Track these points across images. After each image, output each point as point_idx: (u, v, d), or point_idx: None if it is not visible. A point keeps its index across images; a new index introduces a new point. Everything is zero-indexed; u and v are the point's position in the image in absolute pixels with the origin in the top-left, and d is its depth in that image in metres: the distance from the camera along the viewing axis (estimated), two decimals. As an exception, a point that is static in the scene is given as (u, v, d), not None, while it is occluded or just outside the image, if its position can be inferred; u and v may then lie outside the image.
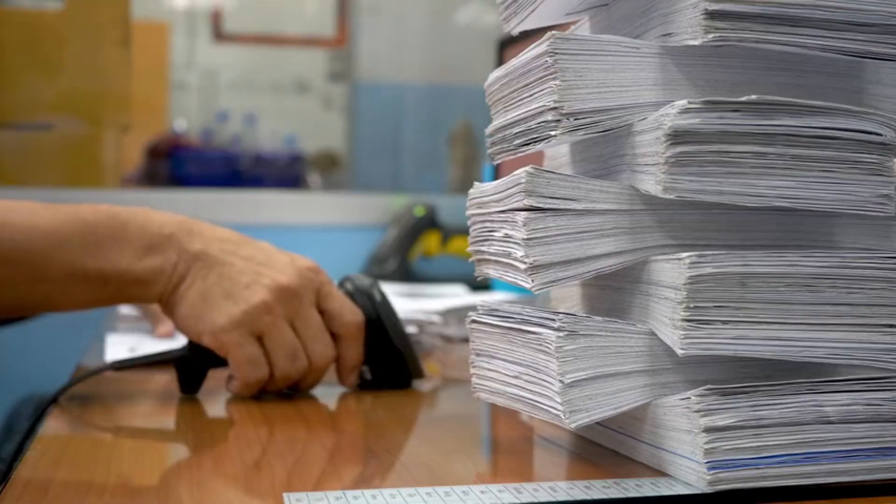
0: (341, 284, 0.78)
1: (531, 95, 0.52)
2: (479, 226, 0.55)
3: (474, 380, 0.57)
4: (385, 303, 0.76)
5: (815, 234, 0.53)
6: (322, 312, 0.73)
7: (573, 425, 0.48)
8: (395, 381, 0.78)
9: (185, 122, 3.08)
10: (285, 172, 2.28)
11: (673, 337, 0.47)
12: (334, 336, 0.73)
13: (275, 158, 2.32)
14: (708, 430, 0.46)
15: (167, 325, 0.95)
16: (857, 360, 0.49)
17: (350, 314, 0.74)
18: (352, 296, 0.76)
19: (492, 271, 0.55)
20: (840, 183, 0.49)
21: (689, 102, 0.47)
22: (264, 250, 0.74)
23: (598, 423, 0.51)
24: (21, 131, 1.82)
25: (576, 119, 0.50)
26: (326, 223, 1.82)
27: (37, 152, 1.83)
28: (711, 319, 0.47)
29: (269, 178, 2.23)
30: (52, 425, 0.63)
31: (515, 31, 0.59)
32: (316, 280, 0.73)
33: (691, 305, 0.46)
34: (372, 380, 0.78)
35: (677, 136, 0.47)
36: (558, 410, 0.48)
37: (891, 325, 0.49)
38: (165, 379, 0.82)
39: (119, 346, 0.91)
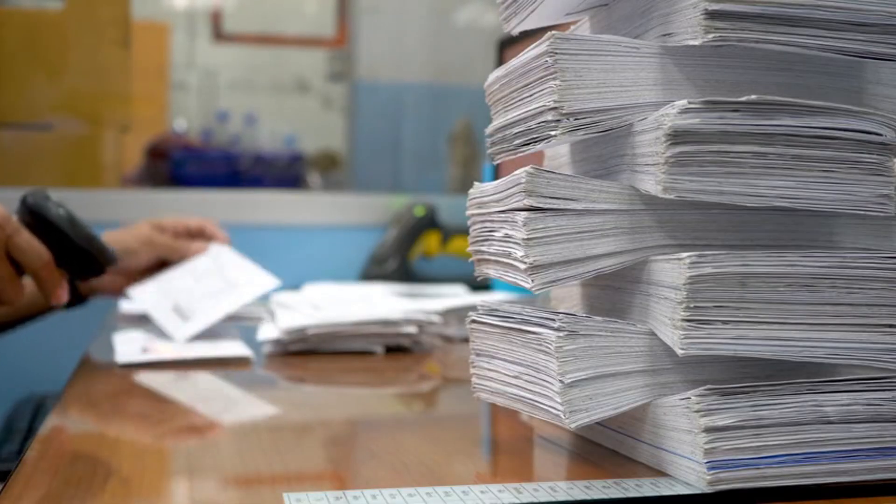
0: (22, 204, 0.87)
1: (531, 95, 0.52)
2: (479, 226, 0.55)
3: (474, 380, 0.57)
4: (60, 213, 0.87)
5: (815, 234, 0.53)
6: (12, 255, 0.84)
7: (573, 425, 0.48)
8: (89, 273, 0.90)
9: (185, 122, 3.08)
10: (285, 172, 2.28)
11: (673, 337, 0.47)
12: (29, 270, 0.85)
13: (275, 158, 2.32)
14: (708, 430, 0.46)
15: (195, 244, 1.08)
16: (857, 360, 0.49)
17: (35, 255, 0.84)
18: (32, 214, 0.86)
19: (492, 271, 0.55)
20: (840, 183, 0.49)
21: (689, 102, 0.47)
22: None
23: (598, 423, 0.51)
24: (21, 131, 1.82)
25: (576, 119, 0.50)
26: (326, 223, 1.82)
27: (37, 152, 1.83)
28: (711, 319, 0.47)
29: (269, 178, 2.23)
30: (52, 425, 0.63)
31: (515, 31, 0.59)
32: (2, 235, 0.83)
33: (691, 305, 0.46)
34: (70, 277, 0.90)
35: (677, 136, 0.47)
36: (558, 410, 0.48)
37: (891, 325, 0.49)
38: (166, 379, 0.82)
39: (130, 345, 0.92)
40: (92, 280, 0.96)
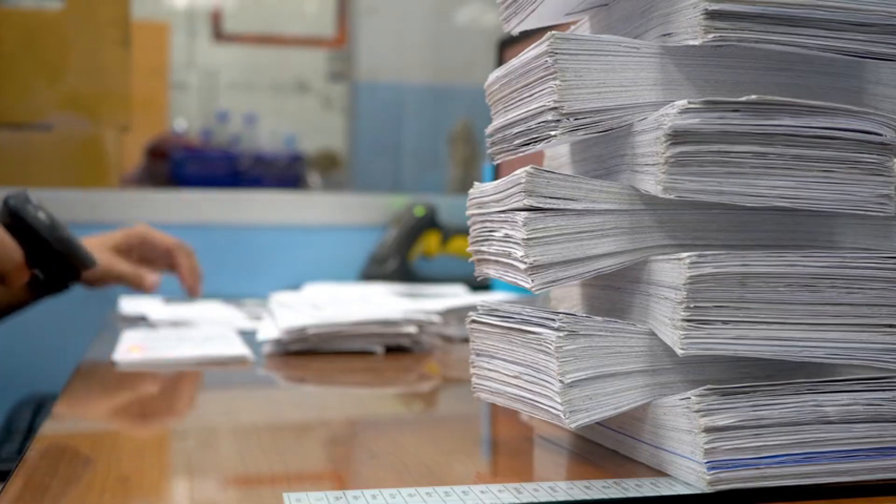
0: (3, 205, 0.88)
1: (531, 95, 0.52)
2: (479, 226, 0.55)
3: (474, 380, 0.57)
4: (39, 216, 0.87)
5: (815, 234, 0.53)
6: None
7: (573, 425, 0.48)
8: (64, 277, 0.91)
9: (185, 122, 3.08)
10: (285, 172, 2.27)
11: (673, 337, 0.47)
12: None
13: (275, 158, 2.32)
14: (708, 430, 0.46)
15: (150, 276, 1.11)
16: (857, 360, 0.49)
17: (7, 256, 0.86)
18: (12, 215, 0.87)
19: (492, 271, 0.55)
20: (840, 183, 0.49)
21: (689, 102, 0.47)
22: None
23: (598, 423, 0.51)
24: (21, 131, 1.82)
25: (576, 119, 0.50)
26: (326, 223, 1.82)
27: (37, 152, 1.83)
28: (711, 319, 0.47)
29: (269, 178, 2.23)
30: (52, 425, 0.63)
31: (515, 31, 0.59)
32: None
33: (691, 305, 0.46)
34: (45, 280, 0.92)
35: (677, 136, 0.47)
36: (558, 410, 0.48)
37: (891, 325, 0.49)
38: (165, 379, 0.82)
39: (130, 345, 0.92)
40: (69, 283, 0.97)
